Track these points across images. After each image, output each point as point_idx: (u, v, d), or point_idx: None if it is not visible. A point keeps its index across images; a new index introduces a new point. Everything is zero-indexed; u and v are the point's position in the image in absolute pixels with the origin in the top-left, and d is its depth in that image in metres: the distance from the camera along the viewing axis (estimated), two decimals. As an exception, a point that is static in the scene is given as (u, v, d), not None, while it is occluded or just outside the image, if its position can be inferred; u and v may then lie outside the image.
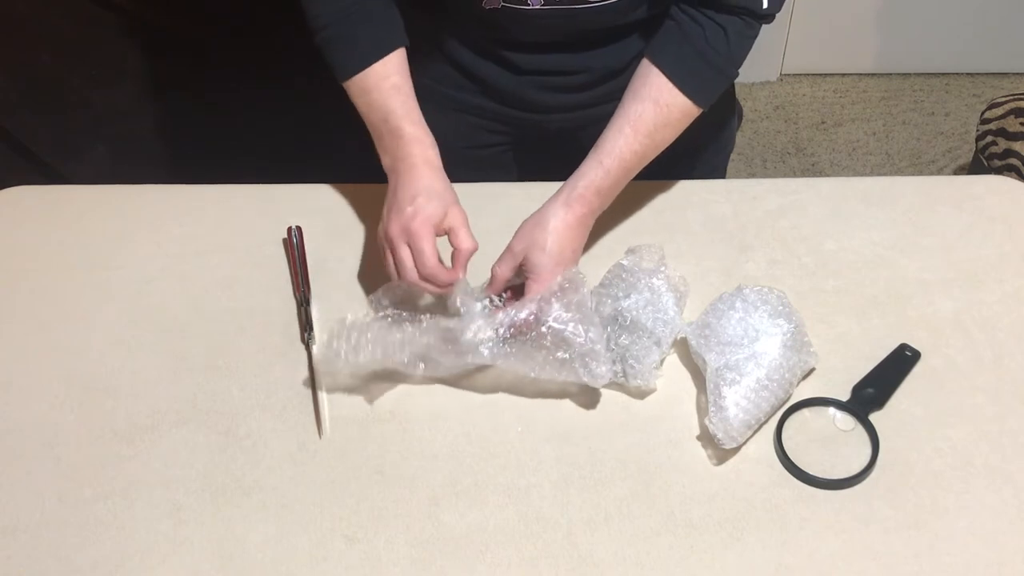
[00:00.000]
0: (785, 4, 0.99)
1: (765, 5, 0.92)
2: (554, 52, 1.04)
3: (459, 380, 0.92)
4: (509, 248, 0.92)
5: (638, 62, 0.97)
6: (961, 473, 0.83)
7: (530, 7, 0.95)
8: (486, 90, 1.10)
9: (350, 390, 0.91)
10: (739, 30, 0.93)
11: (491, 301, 0.92)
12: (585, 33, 1.01)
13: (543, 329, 0.86)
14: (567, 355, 0.86)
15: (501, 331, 0.87)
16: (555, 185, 0.94)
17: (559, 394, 0.90)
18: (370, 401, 0.90)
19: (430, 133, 0.94)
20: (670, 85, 0.93)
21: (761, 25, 0.95)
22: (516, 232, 0.93)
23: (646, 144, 0.94)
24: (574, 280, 0.89)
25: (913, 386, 0.90)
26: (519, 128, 1.15)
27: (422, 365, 0.87)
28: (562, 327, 0.86)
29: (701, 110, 0.96)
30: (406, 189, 0.90)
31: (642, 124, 0.93)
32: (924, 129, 2.60)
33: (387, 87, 0.94)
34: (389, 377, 0.92)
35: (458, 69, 1.09)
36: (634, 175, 0.96)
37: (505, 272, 0.92)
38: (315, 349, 0.94)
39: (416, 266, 0.88)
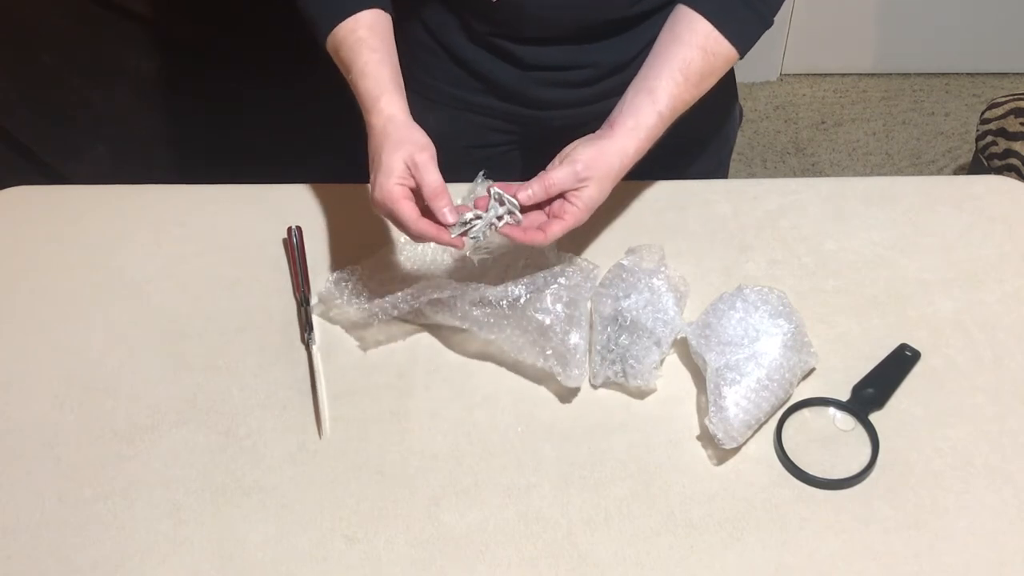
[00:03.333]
0: (785, 4, 0.99)
1: None
2: (559, 45, 1.03)
3: (459, 380, 0.92)
4: (574, 168, 0.87)
5: (643, 57, 0.96)
6: (961, 473, 0.83)
7: None
8: (489, 87, 1.10)
9: (350, 390, 0.91)
10: None
11: (506, 208, 0.88)
12: (591, 26, 1.01)
13: (528, 312, 0.86)
14: (547, 347, 0.87)
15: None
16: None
17: (560, 394, 0.90)
18: (370, 401, 0.90)
19: (394, 81, 0.90)
20: (716, 33, 0.92)
21: None
22: (581, 153, 0.88)
23: (694, 94, 0.93)
24: (586, 274, 0.91)
25: (913, 386, 0.90)
26: (523, 126, 1.15)
27: (421, 298, 0.89)
28: (543, 318, 0.87)
29: (740, 59, 0.95)
30: (373, 155, 0.87)
31: (692, 72, 0.92)
32: (924, 129, 2.60)
33: (352, 40, 0.91)
34: (389, 377, 0.92)
35: (462, 67, 1.09)
36: None
37: (559, 188, 0.87)
38: (316, 347, 0.94)
39: (406, 233, 0.86)
